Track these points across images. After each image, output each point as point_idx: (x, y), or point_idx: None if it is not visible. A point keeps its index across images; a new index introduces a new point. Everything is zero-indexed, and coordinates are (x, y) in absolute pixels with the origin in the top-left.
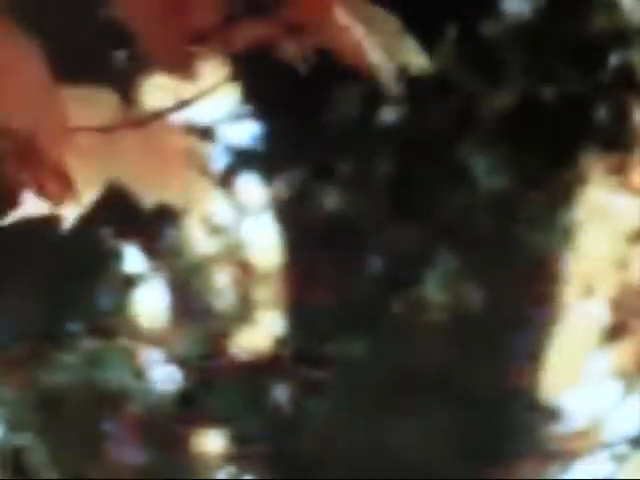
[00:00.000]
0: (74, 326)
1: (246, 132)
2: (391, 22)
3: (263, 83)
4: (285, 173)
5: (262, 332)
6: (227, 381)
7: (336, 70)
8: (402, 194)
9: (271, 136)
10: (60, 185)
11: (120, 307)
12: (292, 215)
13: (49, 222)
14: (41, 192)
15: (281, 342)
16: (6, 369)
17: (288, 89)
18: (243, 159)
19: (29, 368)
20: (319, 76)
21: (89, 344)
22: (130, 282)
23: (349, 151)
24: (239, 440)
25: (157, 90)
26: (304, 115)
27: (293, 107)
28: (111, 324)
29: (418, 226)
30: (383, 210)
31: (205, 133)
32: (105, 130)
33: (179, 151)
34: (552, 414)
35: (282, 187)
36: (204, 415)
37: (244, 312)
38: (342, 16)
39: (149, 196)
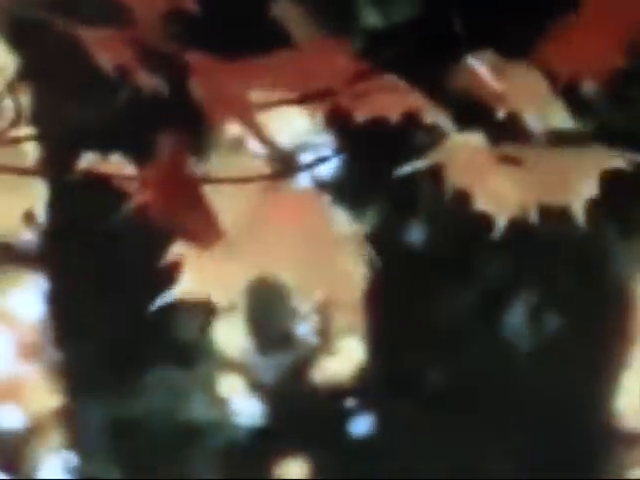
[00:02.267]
0: (154, 354)
1: (331, 166)
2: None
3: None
4: (370, 206)
5: (344, 361)
6: (308, 410)
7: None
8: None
9: (356, 170)
10: (209, 230)
11: (201, 335)
12: (376, 246)
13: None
14: (190, 237)
15: (363, 371)
16: (85, 395)
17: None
18: (328, 193)
19: (107, 396)
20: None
21: (169, 373)
22: (212, 311)
23: (430, 184)
24: (320, 470)
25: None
26: (388, 150)
27: (377, 141)
28: (192, 353)
29: (501, 259)
30: (466, 243)
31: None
32: (245, 181)
33: (335, 243)
34: (632, 440)
35: (367, 219)
36: (285, 445)
37: (326, 341)
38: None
39: (307, 300)
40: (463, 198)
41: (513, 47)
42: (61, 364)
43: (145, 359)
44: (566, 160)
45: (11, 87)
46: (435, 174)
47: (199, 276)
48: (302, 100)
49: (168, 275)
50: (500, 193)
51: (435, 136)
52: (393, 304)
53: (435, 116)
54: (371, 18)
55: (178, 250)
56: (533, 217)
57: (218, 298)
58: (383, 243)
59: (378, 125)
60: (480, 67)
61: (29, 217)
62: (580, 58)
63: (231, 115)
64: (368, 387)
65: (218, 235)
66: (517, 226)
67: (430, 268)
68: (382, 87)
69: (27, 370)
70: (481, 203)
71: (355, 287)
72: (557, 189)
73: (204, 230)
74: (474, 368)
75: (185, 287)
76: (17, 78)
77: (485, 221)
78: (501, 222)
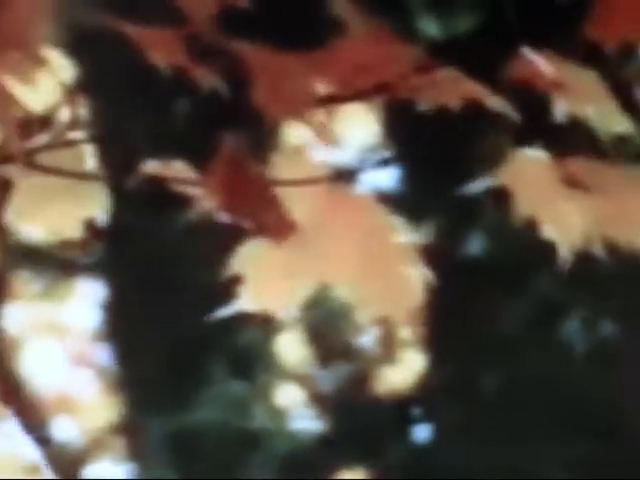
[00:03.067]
0: (215, 365)
1: (390, 176)
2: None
3: (407, 128)
4: (430, 216)
5: (405, 371)
6: (369, 420)
7: (482, 116)
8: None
9: (416, 180)
10: (281, 223)
11: (262, 347)
12: (437, 257)
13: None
14: (264, 231)
15: (424, 380)
16: (145, 407)
17: (432, 133)
18: (388, 203)
19: (168, 407)
20: (463, 121)
21: (230, 384)
22: (272, 322)
23: (491, 200)
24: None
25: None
26: (446, 159)
27: (435, 150)
28: (253, 364)
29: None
30: (525, 255)
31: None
32: (306, 183)
33: (394, 253)
34: None
35: (427, 230)
36: (345, 454)
37: (387, 351)
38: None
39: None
40: (529, 225)
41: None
42: (120, 376)
43: (206, 370)
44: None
45: (70, 94)
46: (498, 193)
47: (260, 289)
48: (361, 94)
49: (229, 287)
50: (566, 222)
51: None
52: (452, 314)
53: (497, 104)
54: (431, 29)
55: (240, 262)
56: (597, 250)
57: (279, 311)
58: (442, 254)
59: (440, 119)
60: (537, 58)
61: (90, 225)
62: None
63: (291, 112)
64: (428, 396)
65: (292, 228)
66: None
67: (488, 278)
68: (442, 79)
69: (83, 382)
70: (547, 231)
71: (415, 298)
72: (623, 221)
73: (277, 224)
74: (531, 375)
75: (247, 300)
76: (75, 84)
77: (549, 247)
78: (565, 253)
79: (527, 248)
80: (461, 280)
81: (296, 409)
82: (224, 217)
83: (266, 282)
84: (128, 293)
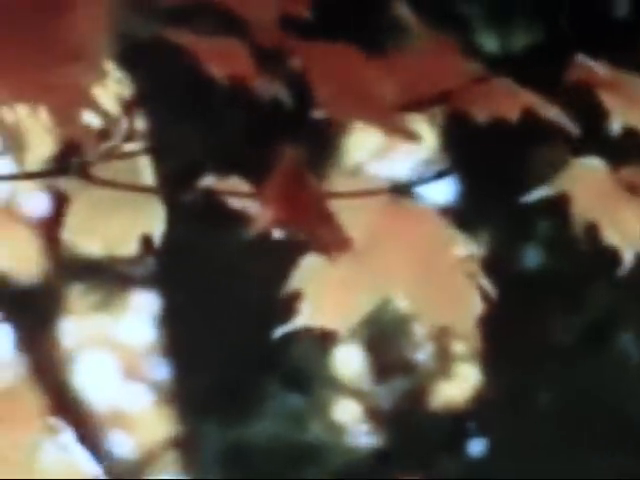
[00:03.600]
0: (271, 379)
1: (447, 188)
2: None
3: (464, 139)
4: (487, 227)
5: (461, 385)
6: (425, 434)
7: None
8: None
9: (473, 191)
10: (337, 239)
11: (319, 361)
12: (492, 271)
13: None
14: (318, 247)
15: (479, 394)
16: (201, 421)
17: (487, 147)
18: (445, 215)
19: (224, 421)
20: (520, 132)
21: (287, 398)
22: (330, 337)
23: (548, 211)
24: None
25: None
26: (502, 172)
27: (492, 164)
28: (310, 378)
29: (613, 284)
30: (581, 265)
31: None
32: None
33: (453, 265)
34: None
35: (484, 242)
36: (402, 468)
37: (443, 365)
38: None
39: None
40: (591, 231)
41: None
42: (175, 390)
43: (262, 384)
44: None
45: (127, 106)
46: (557, 200)
47: (320, 304)
48: (421, 104)
49: (289, 303)
50: (627, 227)
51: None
52: (508, 327)
53: (554, 114)
54: (490, 44)
55: (299, 277)
56: None
57: (339, 326)
58: (498, 265)
59: (497, 130)
60: (593, 63)
61: (146, 240)
62: None
63: (362, 116)
64: (483, 410)
65: (348, 244)
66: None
67: (543, 290)
68: (499, 90)
69: (137, 396)
70: (609, 237)
71: (472, 312)
72: None
73: (332, 240)
74: (587, 388)
75: (307, 316)
76: (133, 96)
77: (609, 253)
78: (628, 257)
79: (584, 258)
80: (516, 292)
81: (352, 424)
82: (280, 232)
83: (326, 297)
84: (183, 307)
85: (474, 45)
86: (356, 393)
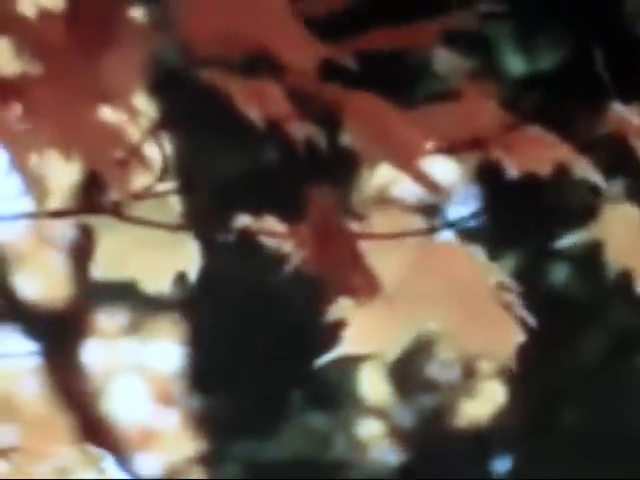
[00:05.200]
0: (296, 397)
1: (469, 210)
2: None
3: (496, 189)
4: (511, 250)
5: (485, 403)
6: (449, 452)
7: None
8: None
9: (496, 214)
10: (367, 283)
11: (344, 380)
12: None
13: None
14: (348, 292)
15: (503, 413)
16: (228, 440)
17: (519, 192)
18: (467, 237)
19: (251, 440)
20: (552, 186)
21: (312, 416)
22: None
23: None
24: None
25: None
26: (526, 194)
27: (524, 208)
28: (335, 397)
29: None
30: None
31: (430, 211)
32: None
33: (489, 296)
34: None
35: (507, 264)
36: None
37: (468, 383)
38: None
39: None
40: (625, 279)
41: None
42: (203, 411)
43: (288, 403)
44: None
45: (161, 147)
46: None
47: (361, 334)
48: (453, 149)
49: (329, 331)
50: None
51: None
52: (532, 347)
53: (586, 171)
54: (516, 65)
55: (339, 308)
56: None
57: (381, 355)
58: (524, 286)
59: (528, 181)
60: (629, 114)
61: (181, 278)
62: None
63: (388, 157)
64: (508, 428)
65: (377, 289)
66: None
67: (568, 311)
68: (531, 139)
69: (165, 418)
70: None
71: (511, 342)
72: None
73: (363, 285)
74: (611, 408)
75: (347, 346)
76: (159, 127)
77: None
78: None
79: (609, 280)
80: (542, 313)
81: (376, 441)
82: (312, 272)
83: (367, 327)
84: (211, 330)
85: (500, 67)
86: (380, 412)
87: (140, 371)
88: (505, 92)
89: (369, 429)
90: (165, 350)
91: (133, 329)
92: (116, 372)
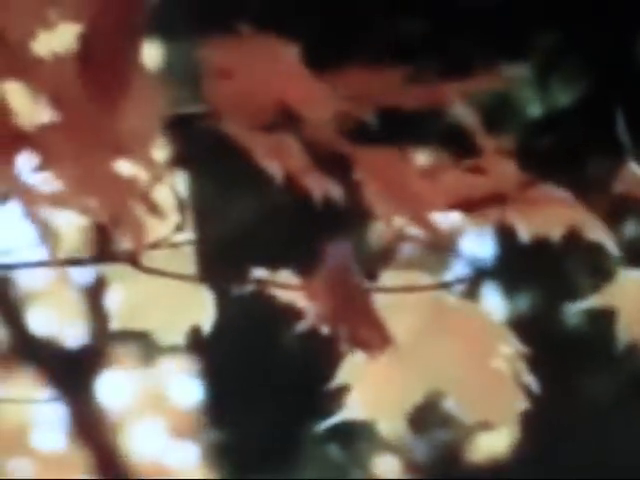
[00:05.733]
0: (315, 432)
1: (486, 245)
2: None
3: (508, 249)
4: (526, 288)
5: (500, 438)
6: None
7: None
8: None
9: (511, 250)
10: (379, 337)
11: None
12: (530, 330)
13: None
14: (360, 345)
15: (518, 447)
16: (246, 474)
17: (530, 253)
18: (484, 272)
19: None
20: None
21: (329, 450)
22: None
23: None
24: None
25: None
26: (545, 281)
27: (534, 271)
28: (351, 432)
29: None
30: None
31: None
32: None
33: (499, 362)
34: None
35: (522, 301)
36: None
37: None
38: None
39: (466, 413)
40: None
41: None
42: (220, 445)
43: (305, 437)
44: None
45: (178, 199)
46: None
47: (366, 398)
48: (469, 205)
49: (336, 395)
50: None
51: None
52: (545, 384)
53: (598, 235)
54: (532, 107)
55: (346, 371)
56: None
57: (385, 420)
58: (537, 325)
59: (541, 245)
60: None
61: (195, 331)
62: None
63: (401, 210)
64: (522, 463)
65: (389, 342)
66: None
67: (580, 351)
68: (545, 198)
69: (182, 452)
70: None
71: (515, 409)
72: None
73: (375, 338)
74: (621, 448)
75: (353, 409)
76: (185, 190)
77: None
78: None
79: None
80: (553, 351)
81: (391, 476)
82: (324, 327)
83: (372, 392)
84: (230, 365)
85: (514, 105)
86: (395, 448)
87: (156, 405)
88: (520, 131)
89: (384, 464)
90: (181, 384)
91: (148, 363)
92: (132, 406)
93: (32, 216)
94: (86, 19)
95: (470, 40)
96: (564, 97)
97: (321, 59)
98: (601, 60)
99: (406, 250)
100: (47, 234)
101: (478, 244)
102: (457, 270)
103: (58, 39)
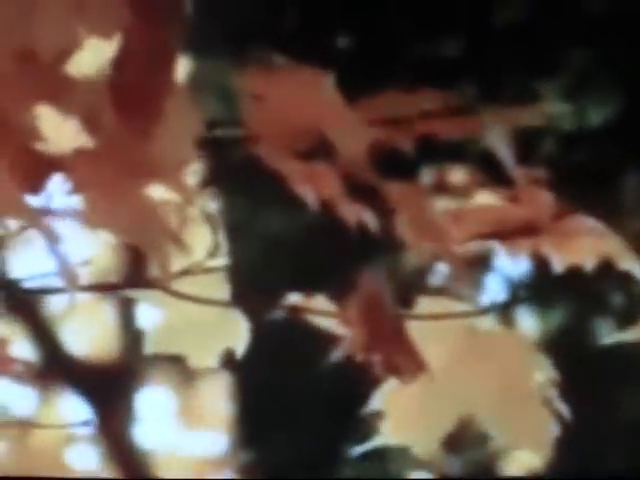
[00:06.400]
0: (348, 449)
1: (522, 264)
2: None
3: (542, 280)
4: (560, 306)
5: (533, 455)
6: None
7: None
8: None
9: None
10: (412, 363)
11: None
12: (563, 347)
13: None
14: (394, 371)
15: (553, 462)
16: None
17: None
18: (519, 291)
19: None
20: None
21: (363, 468)
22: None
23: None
24: None
25: None
26: (579, 312)
27: (568, 300)
28: (385, 448)
29: None
30: None
31: (484, 263)
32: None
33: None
34: None
35: (555, 320)
36: None
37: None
38: None
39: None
40: None
41: None
42: (255, 468)
43: (338, 454)
44: None
45: (212, 222)
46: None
47: (400, 424)
48: (503, 235)
49: (370, 422)
50: None
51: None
52: (579, 400)
53: (630, 265)
54: (563, 120)
55: (380, 398)
56: None
57: (418, 446)
58: (570, 343)
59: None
60: None
61: (228, 355)
62: None
63: (432, 242)
64: (558, 478)
65: (422, 368)
66: None
67: (614, 366)
68: (579, 229)
69: (216, 474)
70: None
71: (548, 437)
72: None
73: (408, 363)
74: None
75: (387, 435)
76: (218, 212)
77: None
78: None
79: None
80: (586, 366)
81: None
82: (358, 354)
83: (406, 418)
84: (262, 384)
85: (547, 118)
86: (429, 465)
87: (189, 423)
88: (553, 149)
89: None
90: (215, 407)
91: (182, 381)
92: (165, 425)
93: (64, 240)
94: (119, 38)
95: (504, 59)
96: (596, 115)
97: (356, 84)
98: (634, 77)
99: (438, 276)
100: (79, 259)
101: (512, 267)
102: (491, 292)
103: (89, 57)
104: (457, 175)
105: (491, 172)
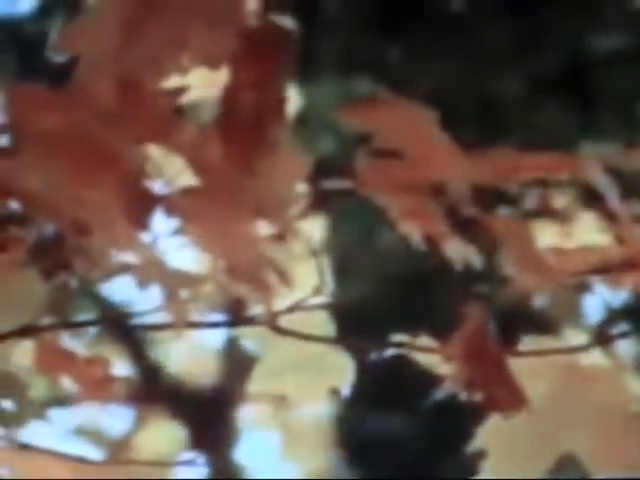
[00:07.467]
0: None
1: (622, 295)
2: None
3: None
4: None
5: None
6: None
7: None
8: None
9: None
10: (514, 398)
11: None
12: None
13: None
14: (495, 407)
15: None
16: None
17: None
18: (617, 314)
19: None
20: None
21: None
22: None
23: None
24: None
25: None
26: None
27: None
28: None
29: None
30: None
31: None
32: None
33: (629, 424)
34: None
35: None
36: None
37: None
38: None
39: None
40: None
41: None
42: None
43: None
44: None
45: (317, 259)
46: None
47: (501, 462)
48: (603, 272)
49: (472, 461)
50: None
51: None
52: None
53: None
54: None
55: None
56: None
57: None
58: None
59: None
60: None
61: (334, 394)
62: None
63: (535, 274)
64: None
65: (524, 404)
66: None
67: None
68: None
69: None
70: None
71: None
72: None
73: (510, 398)
74: None
75: (488, 473)
76: (323, 250)
77: None
78: None
79: None
80: None
81: None
82: (461, 391)
83: (507, 455)
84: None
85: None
86: None
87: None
88: None
89: None
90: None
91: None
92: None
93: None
94: (228, 72)
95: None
96: None
97: (470, 138)
98: None
99: (539, 308)
100: (186, 294)
101: (612, 297)
102: (590, 322)
103: (196, 91)
104: (560, 199)
105: (594, 203)
